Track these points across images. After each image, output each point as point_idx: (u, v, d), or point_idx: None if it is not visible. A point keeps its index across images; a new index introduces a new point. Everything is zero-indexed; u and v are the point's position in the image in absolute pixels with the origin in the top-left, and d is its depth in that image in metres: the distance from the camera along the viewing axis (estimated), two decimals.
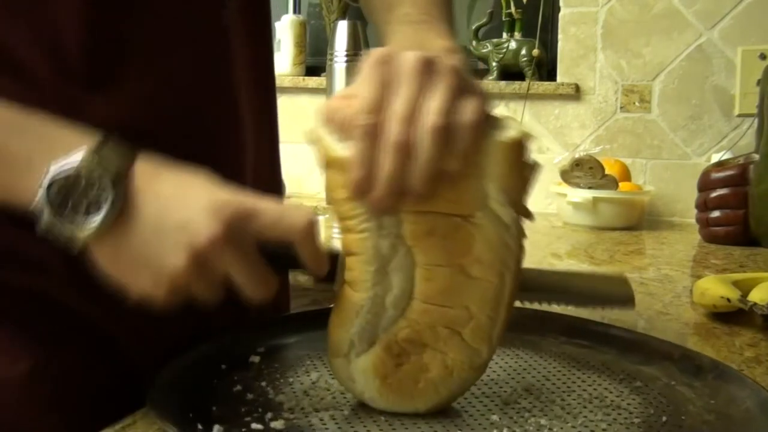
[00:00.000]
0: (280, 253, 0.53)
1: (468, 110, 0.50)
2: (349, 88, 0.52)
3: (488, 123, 0.52)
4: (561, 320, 0.73)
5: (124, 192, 0.51)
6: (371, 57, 0.51)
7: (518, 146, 0.52)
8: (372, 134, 0.49)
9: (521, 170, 0.53)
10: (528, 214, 0.54)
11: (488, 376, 0.62)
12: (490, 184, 0.51)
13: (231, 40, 0.68)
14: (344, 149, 0.50)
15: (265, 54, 0.76)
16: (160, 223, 0.51)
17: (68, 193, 0.50)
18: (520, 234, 0.53)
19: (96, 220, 0.50)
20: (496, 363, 0.65)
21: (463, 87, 0.51)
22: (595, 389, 0.60)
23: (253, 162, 0.72)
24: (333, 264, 0.56)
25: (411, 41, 0.61)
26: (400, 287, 0.52)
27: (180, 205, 0.51)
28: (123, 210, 0.51)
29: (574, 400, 0.58)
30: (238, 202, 0.51)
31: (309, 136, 0.52)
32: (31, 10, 0.57)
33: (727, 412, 0.56)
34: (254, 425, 0.53)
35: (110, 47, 0.60)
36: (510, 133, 0.52)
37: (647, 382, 0.62)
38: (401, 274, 0.52)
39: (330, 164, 0.52)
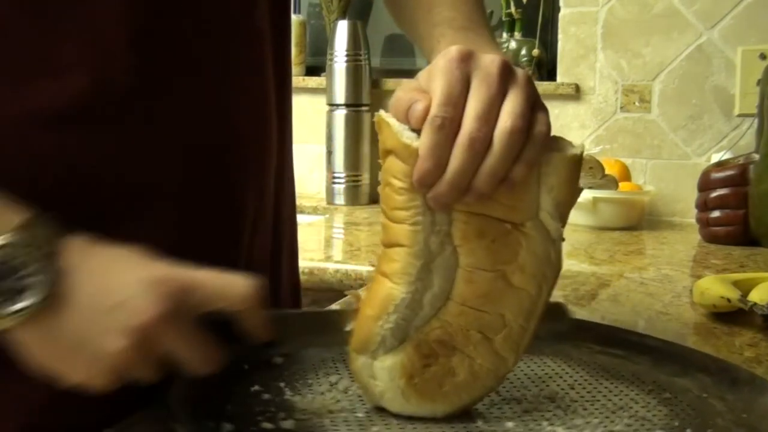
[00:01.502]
0: (220, 322, 0.52)
1: (541, 120, 0.50)
2: (413, 81, 0.52)
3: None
4: (596, 329, 0.71)
5: (55, 272, 0.48)
6: (450, 53, 0.51)
7: (578, 162, 0.53)
8: (446, 127, 0.49)
9: (575, 187, 0.53)
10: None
11: (511, 382, 0.61)
12: (545, 196, 0.52)
13: (263, 40, 0.68)
14: (412, 138, 0.50)
15: (288, 53, 0.76)
16: (95, 304, 0.48)
17: None
18: (561, 249, 0.54)
19: (23, 306, 0.47)
20: (521, 370, 0.64)
21: (535, 97, 0.51)
22: (621, 399, 0.59)
23: (275, 162, 0.72)
24: (278, 329, 0.55)
25: (463, 44, 0.61)
26: (440, 286, 0.52)
27: (116, 283, 0.49)
28: (54, 293, 0.48)
29: (597, 409, 0.57)
30: (178, 276, 0.50)
31: (376, 120, 0.52)
32: (75, 16, 0.56)
33: (759, 427, 0.54)
34: (265, 424, 0.52)
35: (155, 61, 0.59)
36: (570, 148, 0.53)
37: (677, 393, 0.60)
38: (443, 273, 0.52)
39: (394, 151, 0.51)
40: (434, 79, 0.50)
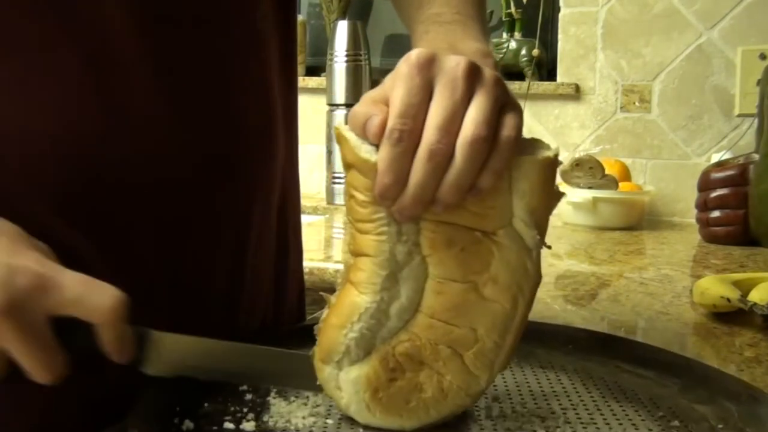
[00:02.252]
0: (78, 332, 0.49)
1: (509, 124, 0.47)
2: (379, 90, 0.49)
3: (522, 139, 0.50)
4: (628, 346, 0.68)
5: None
6: (410, 58, 0.48)
7: (552, 166, 0.50)
8: (405, 140, 0.46)
9: (551, 192, 0.50)
10: (543, 241, 0.51)
11: (510, 396, 0.59)
12: (517, 202, 0.49)
13: (265, 42, 0.68)
14: (370, 152, 0.48)
15: (292, 53, 0.75)
16: None
17: None
18: (539, 260, 0.51)
19: None
20: (528, 383, 0.62)
21: (505, 99, 0.48)
22: (621, 424, 0.55)
23: (282, 162, 0.72)
24: (138, 348, 0.52)
25: (443, 42, 0.58)
26: (408, 297, 0.50)
27: None
28: None
29: None
30: (36, 271, 0.47)
31: (335, 134, 0.50)
32: (75, 16, 0.56)
33: None
34: (227, 425, 0.52)
35: (158, 59, 0.59)
36: (544, 151, 0.50)
37: (690, 422, 0.56)
38: (411, 284, 0.50)
39: (353, 165, 0.49)
40: (394, 87, 0.47)
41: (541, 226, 0.50)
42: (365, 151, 0.48)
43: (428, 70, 0.47)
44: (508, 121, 0.48)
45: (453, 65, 0.48)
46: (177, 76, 0.61)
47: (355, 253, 0.51)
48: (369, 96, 0.49)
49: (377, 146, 0.48)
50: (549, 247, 0.52)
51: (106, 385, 0.59)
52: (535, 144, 0.51)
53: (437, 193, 0.47)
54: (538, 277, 0.51)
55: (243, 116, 0.66)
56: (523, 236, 0.50)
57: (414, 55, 0.48)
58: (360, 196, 0.49)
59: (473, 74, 0.48)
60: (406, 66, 0.48)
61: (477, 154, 0.46)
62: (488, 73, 0.48)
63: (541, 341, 0.68)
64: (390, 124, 0.46)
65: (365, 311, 0.50)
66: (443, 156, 0.46)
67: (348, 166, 0.50)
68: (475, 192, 0.47)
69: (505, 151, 0.47)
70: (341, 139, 0.50)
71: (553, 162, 0.50)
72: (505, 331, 0.51)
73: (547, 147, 0.50)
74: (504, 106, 0.48)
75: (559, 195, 0.51)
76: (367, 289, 0.50)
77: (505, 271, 0.50)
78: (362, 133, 0.48)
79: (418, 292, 0.50)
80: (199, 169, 0.63)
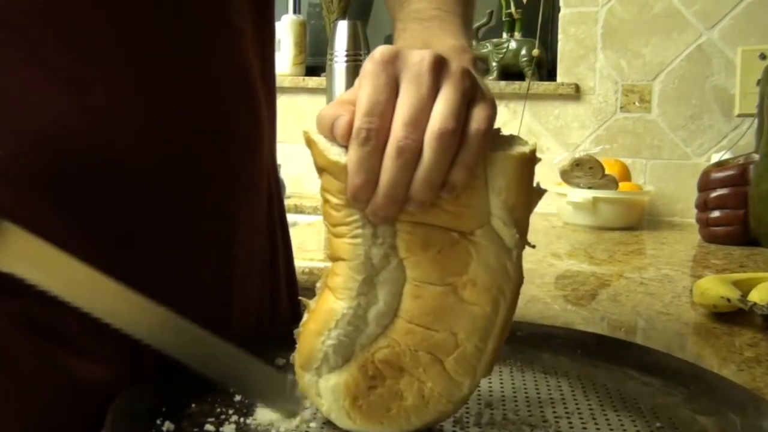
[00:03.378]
0: None
1: (478, 117, 0.46)
2: (347, 93, 0.48)
3: (496, 134, 0.48)
4: (637, 351, 0.66)
5: None
6: (374, 56, 0.47)
7: (529, 161, 0.48)
8: (372, 138, 0.45)
9: (529, 189, 0.49)
10: (525, 240, 0.49)
11: (504, 402, 0.58)
12: (494, 200, 0.47)
13: (242, 38, 0.67)
14: (340, 154, 0.47)
15: (271, 51, 0.75)
16: None
17: None
18: (521, 260, 0.49)
19: None
20: (526, 389, 0.61)
21: (474, 92, 0.47)
22: None
23: (268, 159, 0.71)
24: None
25: (417, 40, 0.58)
26: (386, 302, 0.49)
27: None
28: None
29: None
30: None
31: (304, 138, 0.49)
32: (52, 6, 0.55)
33: None
34: (207, 426, 0.52)
35: (131, 46, 0.58)
36: (520, 146, 0.48)
37: None
38: (389, 288, 0.49)
39: (324, 169, 0.48)
40: (360, 85, 0.47)
41: (520, 224, 0.48)
42: (335, 153, 0.47)
43: (393, 66, 0.46)
44: (478, 114, 0.46)
45: (418, 60, 0.47)
46: (149, 67, 0.59)
47: (332, 257, 0.50)
48: (338, 98, 0.48)
49: (347, 148, 0.47)
50: (532, 246, 0.51)
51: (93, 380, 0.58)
52: (512, 140, 0.49)
53: (410, 191, 0.46)
54: (519, 278, 0.50)
55: (227, 111, 0.65)
56: (501, 236, 0.48)
57: (378, 52, 0.47)
58: (333, 200, 0.48)
59: (439, 68, 0.46)
60: (370, 64, 0.47)
61: (445, 148, 0.45)
62: (455, 66, 0.47)
63: (548, 345, 0.67)
64: (357, 123, 0.46)
65: (342, 317, 0.49)
66: (412, 152, 0.45)
67: (320, 170, 0.49)
68: (449, 188, 0.46)
69: (475, 144, 0.46)
70: (310, 143, 0.49)
71: (530, 158, 0.48)
72: (487, 335, 0.49)
73: (524, 143, 0.49)
74: (473, 99, 0.47)
75: (540, 192, 0.50)
76: (343, 295, 0.49)
77: (485, 272, 0.48)
78: (330, 136, 0.47)
79: (396, 296, 0.49)
80: (180, 165, 0.61)
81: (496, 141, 0.48)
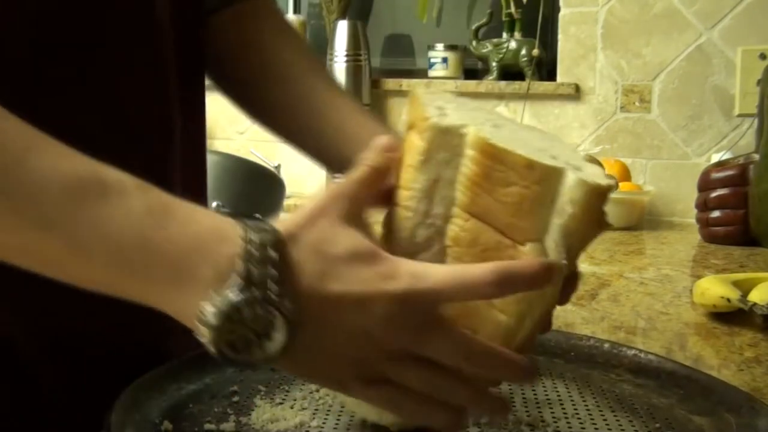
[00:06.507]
0: None
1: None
2: None
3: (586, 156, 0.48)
4: (632, 354, 0.66)
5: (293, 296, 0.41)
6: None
7: (603, 195, 0.46)
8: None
9: (592, 221, 0.47)
10: (572, 268, 0.48)
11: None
12: (555, 220, 0.45)
13: (162, 35, 0.64)
14: (435, 115, 0.47)
15: (196, 49, 0.71)
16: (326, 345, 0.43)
17: (233, 329, 0.41)
18: (560, 286, 0.48)
19: (272, 348, 0.41)
20: (522, 389, 0.61)
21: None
22: None
23: (181, 167, 0.67)
24: None
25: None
26: None
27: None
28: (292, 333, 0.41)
29: None
30: (420, 289, 0.43)
31: (409, 97, 0.49)
32: None
33: None
34: (207, 425, 0.52)
35: (52, 53, 0.57)
36: (599, 177, 0.46)
37: None
38: None
39: (414, 125, 0.48)
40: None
41: (571, 252, 0.47)
42: (431, 112, 0.47)
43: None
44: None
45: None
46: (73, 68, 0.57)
47: (383, 226, 0.49)
48: None
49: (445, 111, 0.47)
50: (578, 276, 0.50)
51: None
52: (594, 165, 0.48)
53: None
54: (553, 303, 0.48)
55: (128, 107, 0.62)
56: (550, 256, 0.46)
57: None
58: (408, 159, 0.47)
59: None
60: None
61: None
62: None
63: (543, 348, 0.67)
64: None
65: None
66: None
67: (409, 126, 0.49)
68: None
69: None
70: (413, 99, 0.49)
71: (604, 192, 0.46)
72: (504, 347, 0.47)
73: (607, 177, 0.47)
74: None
75: (606, 226, 0.48)
76: None
77: None
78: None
79: None
80: None
81: (581, 158, 0.47)
